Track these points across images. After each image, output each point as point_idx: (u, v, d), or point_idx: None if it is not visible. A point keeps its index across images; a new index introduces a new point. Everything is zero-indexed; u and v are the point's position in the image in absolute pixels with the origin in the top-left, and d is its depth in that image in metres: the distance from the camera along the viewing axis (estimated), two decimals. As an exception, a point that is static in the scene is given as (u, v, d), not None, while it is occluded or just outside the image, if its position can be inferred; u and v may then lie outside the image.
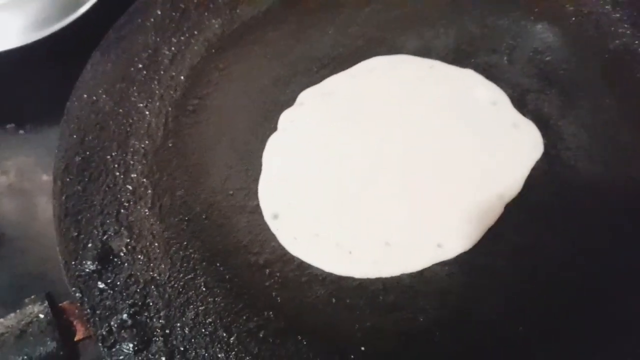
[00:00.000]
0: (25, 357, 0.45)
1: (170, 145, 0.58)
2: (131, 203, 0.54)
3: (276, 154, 0.57)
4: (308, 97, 0.60)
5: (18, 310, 0.47)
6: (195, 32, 0.64)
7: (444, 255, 0.52)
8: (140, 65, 0.61)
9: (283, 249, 0.53)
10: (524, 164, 0.55)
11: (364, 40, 0.63)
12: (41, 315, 0.46)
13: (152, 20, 0.64)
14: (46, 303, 0.47)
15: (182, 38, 0.63)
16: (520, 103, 0.59)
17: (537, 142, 0.56)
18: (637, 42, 0.61)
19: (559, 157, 0.56)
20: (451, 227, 0.53)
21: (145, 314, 0.48)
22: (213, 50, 0.63)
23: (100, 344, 0.47)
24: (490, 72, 0.61)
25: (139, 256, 0.52)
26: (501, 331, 0.48)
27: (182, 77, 0.61)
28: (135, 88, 0.60)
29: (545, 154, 0.56)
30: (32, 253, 0.68)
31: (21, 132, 0.74)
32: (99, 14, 0.68)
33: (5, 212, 0.69)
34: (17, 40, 0.68)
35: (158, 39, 0.63)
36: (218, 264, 0.52)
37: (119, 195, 0.54)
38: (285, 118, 0.59)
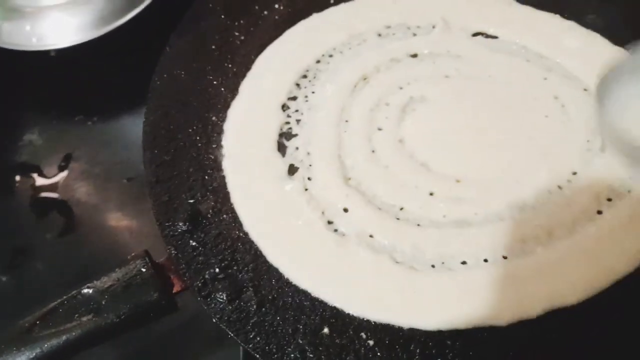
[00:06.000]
0: (132, 305, 0.50)
1: (245, 118, 0.62)
2: (214, 170, 0.59)
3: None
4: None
5: (123, 266, 0.51)
6: (263, 13, 0.68)
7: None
8: (213, 46, 0.66)
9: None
10: None
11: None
12: (143, 270, 0.51)
13: (222, 3, 0.68)
14: (147, 259, 0.52)
15: (251, 19, 0.67)
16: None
17: None
18: None
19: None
20: None
21: (235, 267, 0.53)
22: (280, 29, 0.67)
23: (197, 295, 0.51)
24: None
25: (224, 216, 0.56)
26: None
27: (252, 56, 0.65)
28: (210, 67, 0.65)
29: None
30: (107, 232, 0.73)
31: (89, 123, 0.79)
32: (154, 12, 0.74)
33: (80, 195, 0.75)
34: (76, 37, 0.74)
35: (228, 21, 0.67)
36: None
37: (202, 164, 0.59)
38: None
